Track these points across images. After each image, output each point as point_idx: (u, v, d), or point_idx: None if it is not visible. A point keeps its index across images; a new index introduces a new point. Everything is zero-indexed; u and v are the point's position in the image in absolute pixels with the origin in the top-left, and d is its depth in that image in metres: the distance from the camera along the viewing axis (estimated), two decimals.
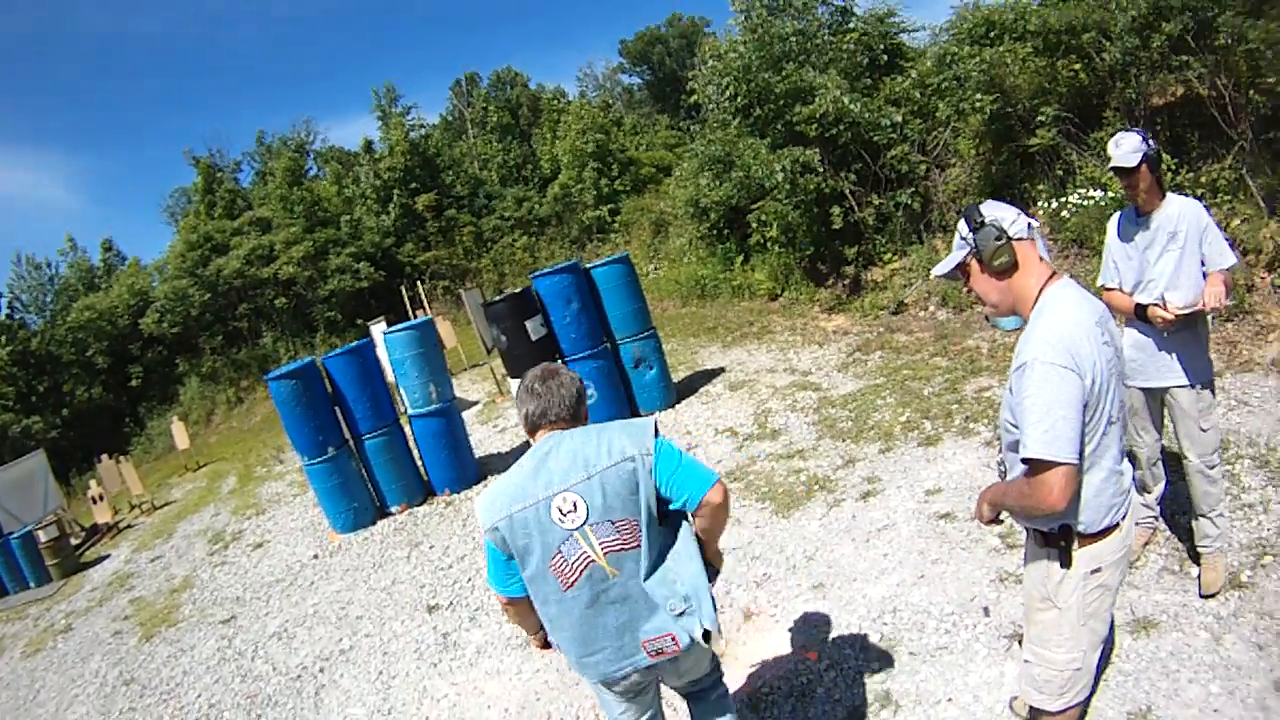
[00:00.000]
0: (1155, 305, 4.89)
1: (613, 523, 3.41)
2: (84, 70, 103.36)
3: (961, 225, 3.34)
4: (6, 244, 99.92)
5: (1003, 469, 3.57)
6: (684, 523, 3.61)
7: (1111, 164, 5.02)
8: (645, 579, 3.47)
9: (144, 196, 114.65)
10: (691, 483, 3.47)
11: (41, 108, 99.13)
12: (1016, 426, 3.16)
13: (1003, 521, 3.72)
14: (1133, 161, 4.86)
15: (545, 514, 3.41)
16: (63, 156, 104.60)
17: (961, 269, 3.41)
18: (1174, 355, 4.98)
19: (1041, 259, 3.29)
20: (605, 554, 3.43)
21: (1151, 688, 4.41)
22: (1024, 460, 3.07)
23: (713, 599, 3.52)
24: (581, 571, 3.44)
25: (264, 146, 48.75)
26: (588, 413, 3.77)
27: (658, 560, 3.51)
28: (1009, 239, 3.21)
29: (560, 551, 3.42)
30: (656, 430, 3.57)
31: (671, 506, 3.51)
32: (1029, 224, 3.27)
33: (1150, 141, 4.90)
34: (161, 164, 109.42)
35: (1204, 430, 5.01)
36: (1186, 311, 4.81)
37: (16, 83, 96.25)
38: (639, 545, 3.44)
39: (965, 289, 3.47)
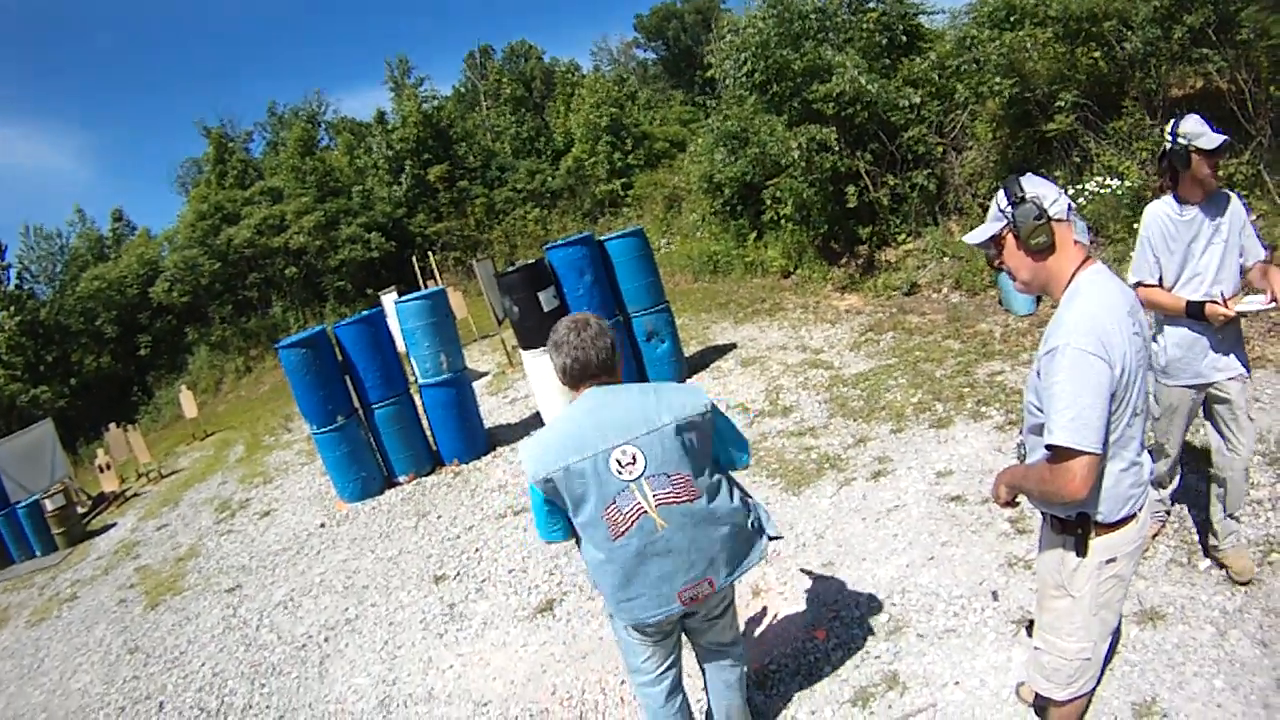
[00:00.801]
0: (1213, 303, 4.66)
1: (668, 476, 3.59)
2: (93, 41, 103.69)
3: (1000, 197, 3.27)
4: (15, 215, 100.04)
5: (1022, 451, 3.54)
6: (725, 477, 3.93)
7: (1194, 144, 4.65)
8: (693, 534, 3.69)
9: (154, 167, 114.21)
10: (741, 446, 4.01)
11: (50, 78, 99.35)
12: (1041, 410, 3.12)
13: (1018, 504, 3.68)
14: (1218, 142, 4.60)
15: (604, 465, 3.55)
16: (72, 128, 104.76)
17: (995, 241, 3.36)
18: (1227, 349, 4.84)
19: (1078, 242, 3.22)
20: (657, 506, 3.59)
21: (1156, 679, 4.39)
22: (1048, 447, 3.04)
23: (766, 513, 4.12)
24: (634, 522, 3.60)
25: (275, 117, 48.94)
26: (621, 360, 3.85)
27: (714, 513, 3.73)
28: (1048, 219, 3.15)
29: (615, 502, 3.57)
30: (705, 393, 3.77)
31: (720, 464, 3.85)
32: (1069, 205, 3.21)
33: None
34: (172, 134, 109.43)
35: (1251, 420, 4.96)
36: (1254, 309, 4.66)
37: (25, 53, 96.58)
38: (690, 499, 3.63)
39: (996, 261, 3.42)
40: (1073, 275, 3.19)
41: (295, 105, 48.81)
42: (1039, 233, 3.15)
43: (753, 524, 3.98)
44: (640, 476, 3.56)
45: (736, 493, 3.94)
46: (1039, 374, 3.15)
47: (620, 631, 4.13)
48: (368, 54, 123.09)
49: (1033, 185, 3.20)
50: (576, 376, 3.70)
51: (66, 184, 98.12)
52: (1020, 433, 3.57)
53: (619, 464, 3.54)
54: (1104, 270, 3.22)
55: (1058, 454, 3.01)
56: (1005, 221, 3.25)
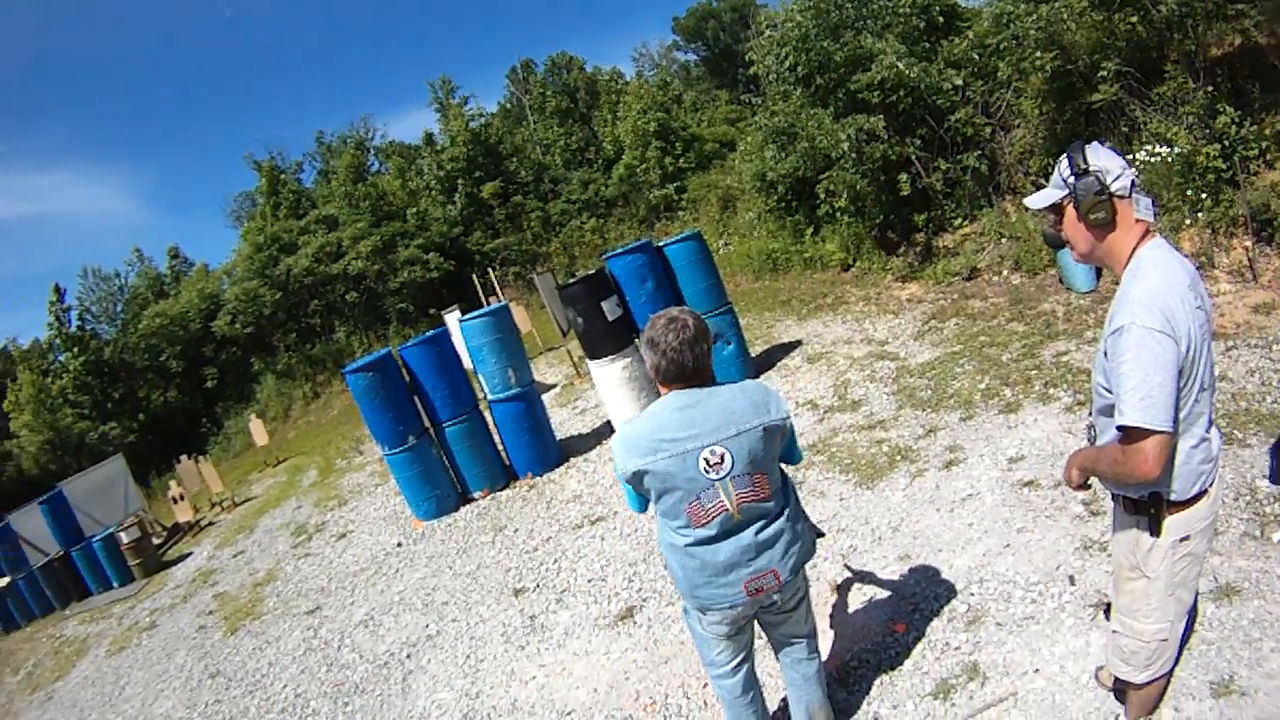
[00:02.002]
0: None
1: (750, 475, 3.70)
2: (140, 84, 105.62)
3: (1063, 164, 3.23)
4: (74, 258, 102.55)
5: (1092, 433, 3.54)
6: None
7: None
8: (763, 530, 3.82)
9: (207, 202, 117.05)
10: (794, 451, 4.06)
11: (97, 123, 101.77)
12: (1110, 391, 3.13)
13: (1090, 487, 3.66)
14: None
15: (693, 464, 3.65)
16: (125, 170, 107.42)
17: (1056, 209, 3.33)
18: None
19: (1139, 219, 3.17)
20: (739, 504, 3.69)
21: (1234, 656, 4.35)
22: (1119, 428, 3.04)
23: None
24: (714, 517, 3.70)
25: (324, 146, 49.37)
26: (711, 354, 3.91)
27: (779, 511, 3.88)
28: (1110, 195, 3.11)
29: (699, 498, 3.69)
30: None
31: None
32: (1132, 180, 3.16)
33: None
34: (222, 169, 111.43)
35: None
36: None
37: (73, 99, 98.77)
38: (767, 498, 3.75)
39: (1055, 227, 3.39)
40: (1133, 251, 3.18)
41: (343, 133, 49.32)
42: (1099, 208, 3.12)
43: (803, 518, 4.09)
44: (726, 476, 3.66)
45: (790, 488, 4.06)
46: (1106, 355, 3.14)
47: (694, 624, 4.22)
48: (410, 77, 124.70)
49: (1097, 157, 3.16)
50: (669, 378, 3.78)
51: (121, 225, 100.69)
52: (1089, 414, 3.56)
53: (707, 463, 3.63)
54: (1164, 245, 3.20)
55: (1129, 434, 3.01)
56: (1066, 191, 3.22)
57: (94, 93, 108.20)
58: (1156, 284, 3.03)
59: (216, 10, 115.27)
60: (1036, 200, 3.38)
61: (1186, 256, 3.33)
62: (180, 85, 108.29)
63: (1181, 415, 3.07)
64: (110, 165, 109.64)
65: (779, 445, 3.85)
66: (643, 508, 3.97)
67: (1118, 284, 3.19)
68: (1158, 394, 2.91)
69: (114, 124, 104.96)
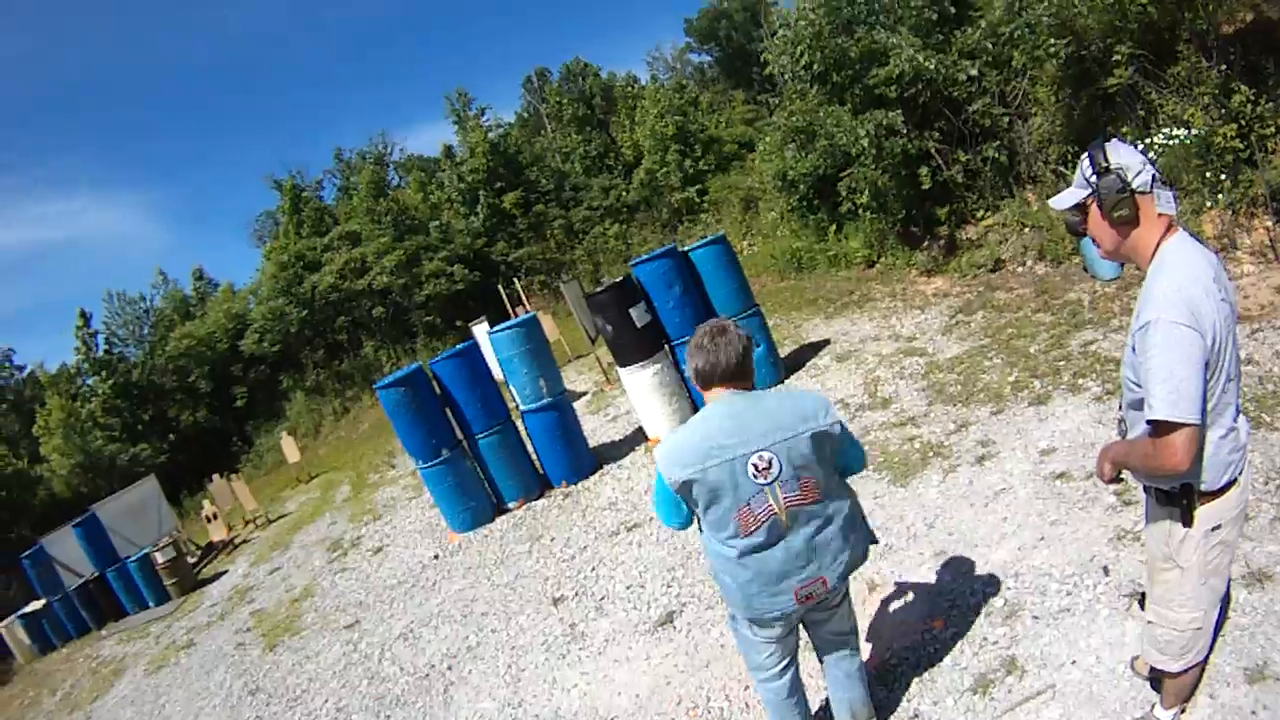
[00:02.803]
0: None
1: (799, 480, 3.75)
2: (157, 107, 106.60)
3: (1085, 163, 3.28)
4: (99, 283, 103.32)
5: (1123, 427, 3.57)
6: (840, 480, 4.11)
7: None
8: (814, 535, 3.86)
9: (229, 222, 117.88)
10: (856, 455, 4.10)
11: (120, 149, 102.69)
12: (1139, 385, 3.17)
13: (1123, 480, 3.73)
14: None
15: (741, 470, 3.70)
16: (146, 193, 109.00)
17: (1080, 208, 3.37)
18: None
19: (1162, 214, 3.22)
20: (786, 508, 3.74)
21: (1267, 642, 4.37)
22: (1149, 422, 3.08)
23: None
24: (763, 523, 3.75)
25: (343, 163, 49.49)
26: (754, 367, 3.98)
27: (829, 515, 3.91)
28: (1132, 191, 3.16)
29: (749, 504, 3.74)
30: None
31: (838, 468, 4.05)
32: (1153, 175, 3.19)
33: None
34: (244, 189, 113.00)
35: None
36: None
37: (91, 125, 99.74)
38: (815, 500, 3.79)
39: (1081, 227, 3.43)
40: (1157, 246, 3.22)
41: (361, 149, 49.48)
42: (1122, 205, 3.17)
43: (859, 525, 4.11)
44: (774, 481, 3.71)
45: (848, 496, 4.08)
46: (1134, 350, 3.18)
47: (742, 630, 4.29)
48: (425, 92, 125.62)
49: (1117, 154, 3.19)
50: (706, 378, 3.87)
51: (145, 248, 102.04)
52: (1119, 408, 3.59)
53: (755, 469, 3.69)
54: (1187, 239, 3.24)
55: (1159, 428, 3.05)
56: (1089, 190, 3.27)
57: (111, 118, 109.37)
58: (1181, 279, 3.08)
59: (230, 32, 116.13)
60: (1061, 201, 3.42)
61: (1208, 244, 3.36)
62: (197, 107, 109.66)
63: (1209, 407, 3.11)
64: (131, 189, 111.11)
65: (829, 451, 3.87)
66: (682, 523, 3.99)
67: (1143, 276, 3.24)
68: (1185, 387, 2.96)
69: (133, 148, 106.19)
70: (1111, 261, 10.60)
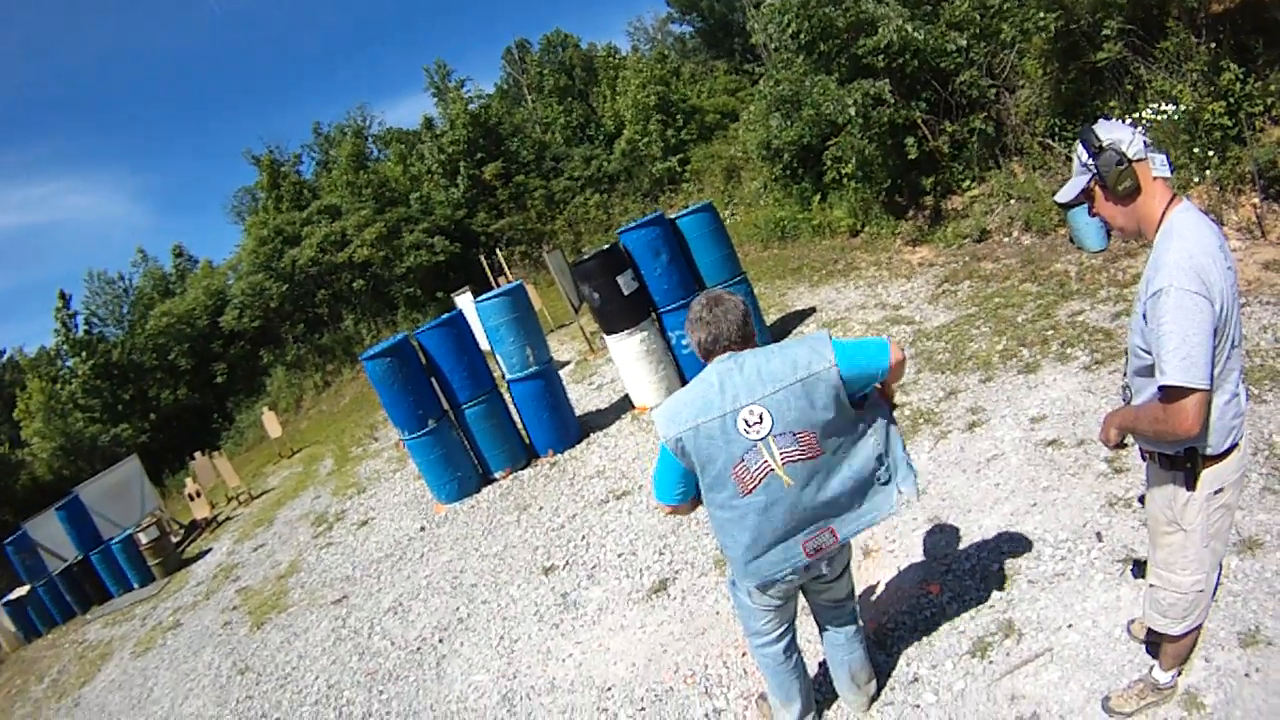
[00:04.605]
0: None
1: (794, 434, 3.67)
2: (132, 87, 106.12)
3: (1080, 151, 3.33)
4: (79, 263, 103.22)
5: (1127, 394, 3.59)
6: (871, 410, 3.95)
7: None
8: (818, 490, 3.78)
9: (208, 199, 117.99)
10: (873, 357, 3.80)
11: (93, 128, 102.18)
12: (1148, 353, 3.20)
13: (1126, 445, 3.72)
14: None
15: (732, 425, 3.67)
16: (124, 173, 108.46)
17: (1085, 194, 3.40)
18: None
19: (1159, 178, 3.25)
20: (784, 464, 3.68)
21: (1259, 607, 4.43)
22: (1161, 388, 3.10)
23: (911, 466, 4.01)
24: (760, 480, 3.71)
25: (322, 136, 49.35)
26: (754, 331, 3.95)
27: (833, 470, 3.81)
28: (1129, 161, 3.19)
29: (743, 460, 3.69)
30: (830, 336, 3.81)
31: (865, 392, 3.87)
32: (1144, 142, 3.24)
33: None
34: (222, 166, 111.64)
35: None
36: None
37: (67, 106, 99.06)
38: (814, 456, 3.70)
39: (1090, 213, 3.46)
40: (1163, 215, 3.24)
41: (340, 123, 49.31)
42: (1124, 177, 3.20)
43: (880, 477, 3.94)
44: (767, 435, 3.66)
45: (872, 444, 3.89)
46: (1145, 318, 3.18)
47: (742, 597, 4.28)
48: (404, 64, 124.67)
49: (1107, 131, 3.25)
50: (709, 349, 3.84)
51: (124, 228, 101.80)
52: (1124, 375, 3.60)
53: (746, 424, 3.65)
54: (1191, 208, 3.26)
55: (1170, 393, 3.08)
56: (1091, 174, 3.31)
57: (87, 99, 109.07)
58: (1190, 246, 3.09)
59: (204, 9, 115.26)
60: (1065, 193, 3.45)
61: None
62: (173, 85, 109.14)
63: (1215, 372, 3.12)
64: (109, 169, 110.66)
65: (830, 397, 3.70)
66: (669, 494, 3.95)
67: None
68: (1197, 354, 2.98)
69: (109, 128, 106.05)
70: (1098, 228, 10.73)
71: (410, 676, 7.53)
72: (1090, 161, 3.29)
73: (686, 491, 3.93)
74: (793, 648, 4.48)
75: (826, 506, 3.83)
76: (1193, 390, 3.01)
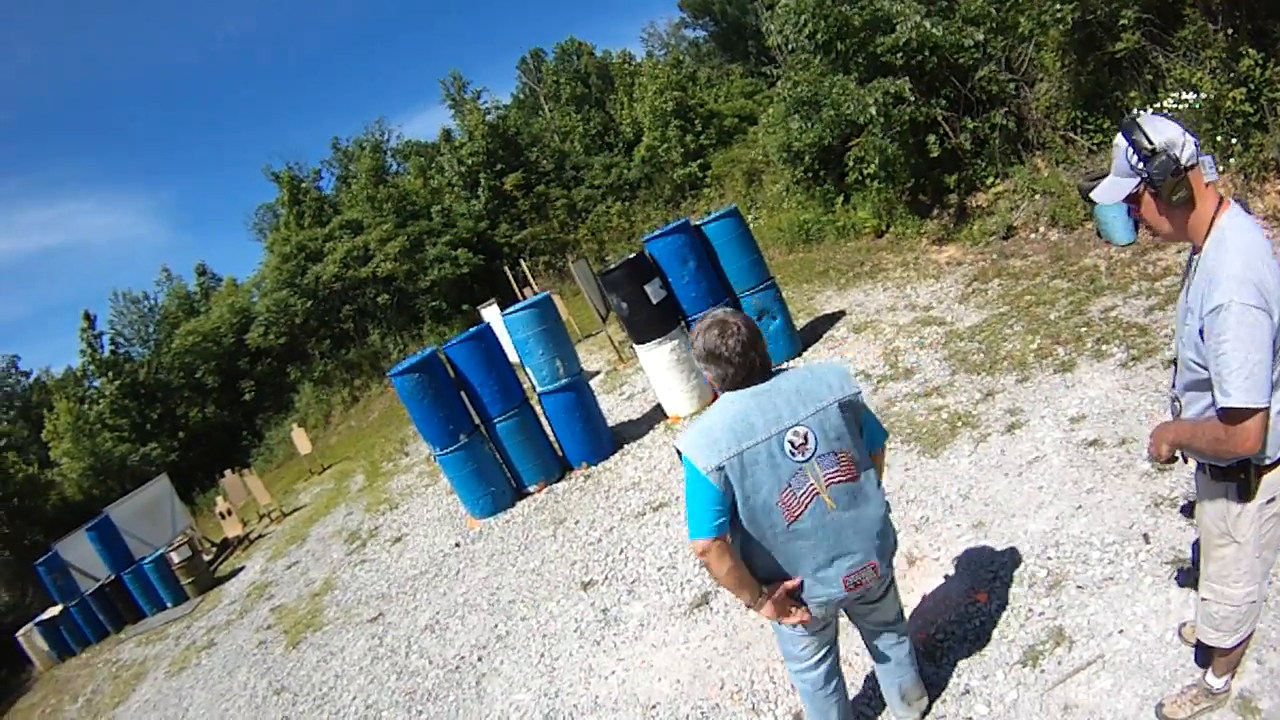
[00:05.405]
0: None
1: (835, 455, 3.63)
2: (150, 107, 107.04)
3: (1127, 151, 3.10)
4: (103, 283, 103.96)
5: (1176, 406, 3.51)
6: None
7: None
8: (857, 515, 3.73)
9: (230, 217, 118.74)
10: (877, 429, 3.96)
11: (117, 150, 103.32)
12: (1202, 367, 3.11)
13: (1176, 460, 3.59)
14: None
15: (778, 448, 3.57)
16: (145, 192, 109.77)
17: (1131, 198, 3.21)
18: None
19: (1208, 183, 3.09)
20: (828, 486, 3.61)
21: None
22: (1223, 409, 3.02)
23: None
24: (806, 505, 3.62)
25: (340, 152, 49.55)
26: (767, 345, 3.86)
27: (866, 492, 3.78)
28: (1184, 170, 3.01)
29: (789, 485, 3.60)
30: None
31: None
32: (1196, 144, 3.05)
33: None
34: (242, 183, 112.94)
35: None
36: None
37: (89, 128, 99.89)
38: (854, 478, 3.66)
39: (1133, 213, 3.31)
40: (1212, 220, 3.12)
41: (358, 137, 49.43)
42: (1179, 188, 3.04)
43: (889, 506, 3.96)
44: (812, 457, 3.59)
45: (875, 473, 3.92)
46: (1202, 334, 3.08)
47: (779, 623, 4.11)
48: (419, 77, 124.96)
49: (1158, 131, 3.03)
50: (736, 385, 3.68)
51: (147, 247, 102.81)
52: (1172, 387, 3.53)
53: (792, 445, 3.56)
54: (1239, 211, 3.15)
55: (1232, 415, 3.00)
56: (1140, 180, 3.11)
57: (109, 119, 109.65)
58: (1247, 257, 2.99)
59: (220, 29, 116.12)
60: (1107, 195, 3.27)
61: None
62: (191, 103, 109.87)
63: (1273, 381, 3.05)
64: (130, 189, 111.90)
65: (857, 421, 3.77)
66: (714, 527, 3.57)
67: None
68: (1259, 372, 2.92)
69: (129, 148, 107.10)
70: (1125, 221, 10.64)
71: (450, 696, 7.47)
72: (1139, 165, 3.08)
73: (725, 522, 3.60)
74: (833, 673, 4.36)
75: (862, 534, 3.77)
76: (1256, 410, 2.95)
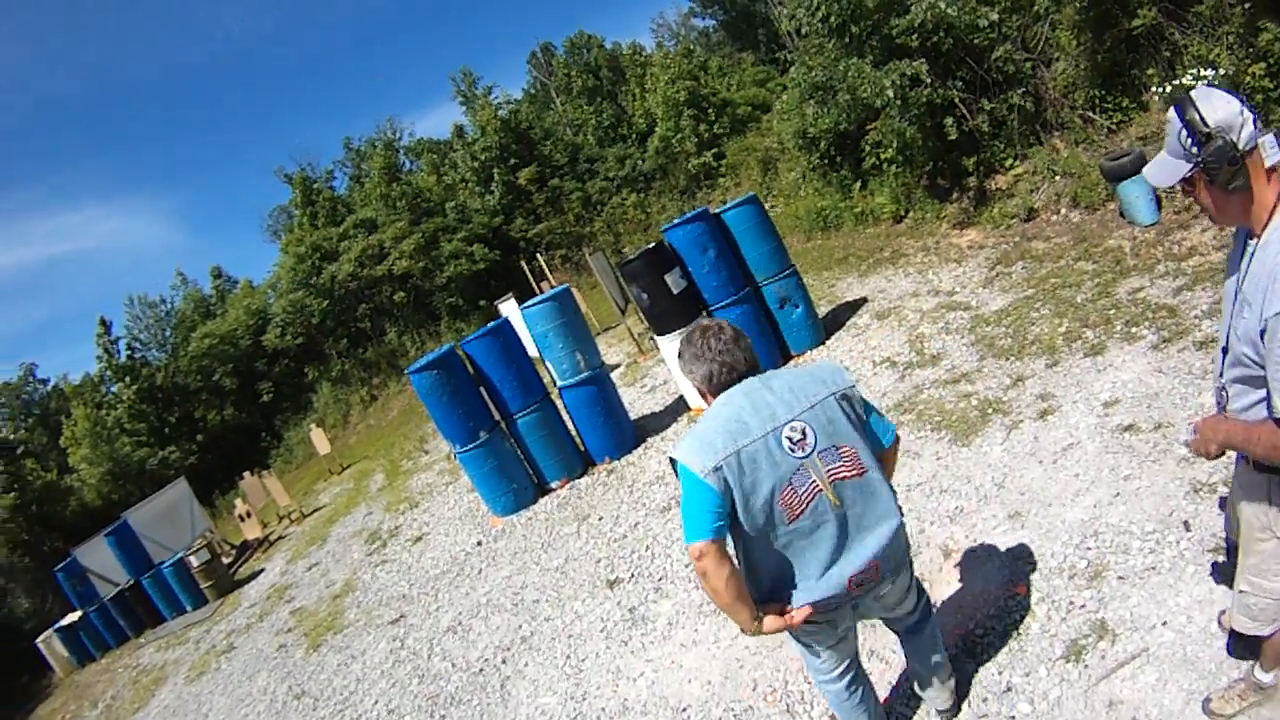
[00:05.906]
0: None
1: (837, 449, 3.52)
2: (162, 110, 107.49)
3: (1181, 133, 2.89)
4: (118, 288, 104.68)
5: (1222, 397, 3.36)
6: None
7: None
8: (863, 512, 3.60)
9: (244, 219, 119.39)
10: (883, 426, 3.79)
11: (129, 155, 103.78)
12: (1258, 364, 2.94)
13: (1224, 454, 3.44)
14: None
15: (776, 445, 3.45)
16: (158, 196, 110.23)
17: (1186, 182, 3.00)
18: None
19: (1270, 167, 2.86)
20: (831, 482, 3.49)
21: None
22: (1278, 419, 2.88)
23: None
24: (808, 503, 3.49)
25: (353, 151, 49.67)
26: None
27: (875, 488, 3.64)
28: (1241, 157, 2.81)
29: (790, 483, 3.46)
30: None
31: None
32: (1254, 122, 2.82)
33: None
34: (256, 185, 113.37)
35: None
36: None
37: (103, 134, 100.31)
38: (860, 474, 3.54)
39: (1186, 195, 3.15)
40: (1274, 208, 2.90)
41: (370, 136, 49.56)
42: (1236, 176, 2.84)
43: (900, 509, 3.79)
44: (812, 452, 3.47)
45: (883, 471, 3.78)
46: (1263, 334, 2.86)
47: (793, 633, 3.96)
48: (429, 73, 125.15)
49: (1214, 111, 2.82)
50: (724, 383, 3.63)
51: (162, 251, 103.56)
52: (1219, 377, 3.36)
53: (790, 441, 3.45)
54: None
55: None
56: (1193, 164, 2.90)
57: (119, 124, 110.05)
58: None
59: (228, 30, 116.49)
60: (1161, 177, 3.05)
61: None
62: (201, 107, 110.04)
63: None
64: (142, 194, 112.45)
65: (857, 416, 3.65)
66: (713, 529, 3.41)
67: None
68: None
69: (140, 153, 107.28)
70: (1149, 200, 10.49)
71: (474, 700, 7.36)
72: (1194, 149, 2.87)
73: (724, 526, 3.46)
74: (856, 682, 4.22)
75: (868, 531, 3.63)
76: None
